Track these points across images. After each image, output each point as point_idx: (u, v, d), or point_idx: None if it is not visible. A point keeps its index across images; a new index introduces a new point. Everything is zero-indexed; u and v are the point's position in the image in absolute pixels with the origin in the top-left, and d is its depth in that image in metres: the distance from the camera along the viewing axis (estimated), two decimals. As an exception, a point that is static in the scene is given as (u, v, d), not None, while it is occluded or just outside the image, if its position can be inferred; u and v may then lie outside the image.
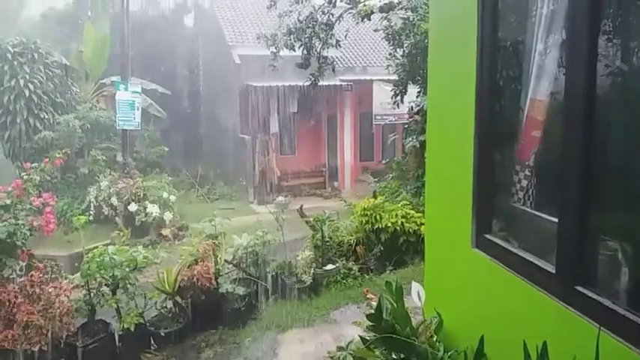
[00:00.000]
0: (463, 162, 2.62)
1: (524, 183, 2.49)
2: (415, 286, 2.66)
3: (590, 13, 1.69)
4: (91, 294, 5.02)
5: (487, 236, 2.51)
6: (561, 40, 2.07)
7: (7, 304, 4.01)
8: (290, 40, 9.54)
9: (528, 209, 2.44)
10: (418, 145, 7.42)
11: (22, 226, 4.45)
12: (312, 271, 6.58)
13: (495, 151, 2.57)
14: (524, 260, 2.17)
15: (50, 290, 4.13)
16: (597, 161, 1.78)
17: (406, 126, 8.78)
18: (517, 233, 2.47)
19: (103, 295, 5.15)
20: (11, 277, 5.04)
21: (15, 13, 21.99)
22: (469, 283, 2.64)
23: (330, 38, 9.72)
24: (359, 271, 6.80)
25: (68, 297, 4.34)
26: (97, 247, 10.13)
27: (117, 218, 11.75)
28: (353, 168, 17.30)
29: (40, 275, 4.28)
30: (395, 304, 2.44)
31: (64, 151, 6.35)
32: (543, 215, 2.28)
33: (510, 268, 2.26)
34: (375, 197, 7.71)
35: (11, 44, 13.16)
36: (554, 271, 1.95)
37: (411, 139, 7.72)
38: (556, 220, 1.95)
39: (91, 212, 11.97)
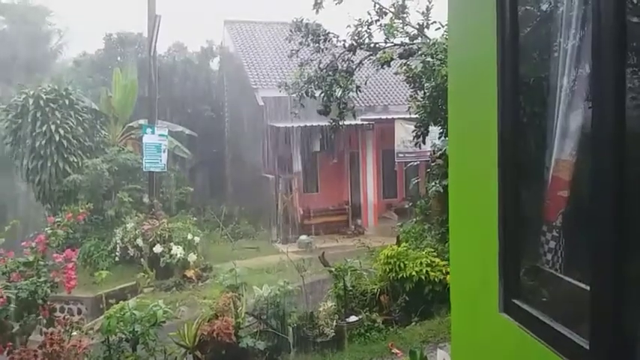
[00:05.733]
0: (488, 217, 2.51)
1: (553, 245, 2.37)
2: (441, 355, 2.53)
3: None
4: (111, 350, 4.97)
5: (515, 301, 2.38)
6: (584, 95, 2.00)
7: (28, 363, 4.00)
8: (311, 88, 9.66)
9: (558, 274, 2.31)
10: (442, 190, 7.27)
11: (43, 284, 4.47)
12: (334, 323, 6.40)
13: (521, 208, 2.46)
14: (554, 331, 2.02)
15: (70, 348, 4.09)
16: (633, 220, 1.65)
17: (428, 170, 8.67)
18: (547, 299, 2.33)
19: (122, 351, 5.10)
20: (35, 321, 5.04)
21: (50, 61, 23.08)
22: (498, 351, 2.49)
23: (351, 84, 9.81)
24: (383, 323, 6.58)
25: (88, 356, 4.28)
26: (122, 287, 10.44)
27: (142, 260, 11.84)
28: (376, 205, 17.17)
29: (60, 331, 4.24)
30: (419, 376, 2.32)
31: (87, 205, 6.43)
32: (574, 281, 2.15)
33: (541, 338, 2.11)
34: (398, 243, 7.53)
35: (44, 91, 13.71)
36: (587, 347, 1.81)
37: (434, 183, 7.56)
38: (588, 288, 1.83)
39: (117, 253, 12.15)
